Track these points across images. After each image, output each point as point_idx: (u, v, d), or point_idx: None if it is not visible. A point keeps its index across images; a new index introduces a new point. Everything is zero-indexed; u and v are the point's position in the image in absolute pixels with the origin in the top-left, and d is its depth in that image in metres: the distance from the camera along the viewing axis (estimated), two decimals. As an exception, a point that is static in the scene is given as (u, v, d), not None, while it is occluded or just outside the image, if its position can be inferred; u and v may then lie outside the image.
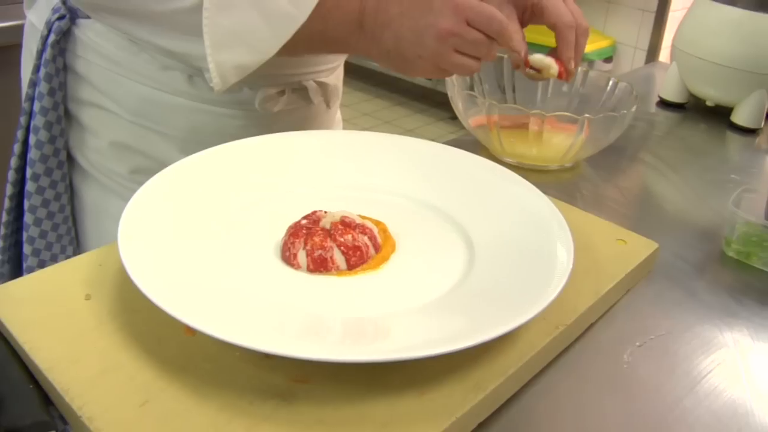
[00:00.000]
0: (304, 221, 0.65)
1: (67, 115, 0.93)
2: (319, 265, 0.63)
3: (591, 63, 3.36)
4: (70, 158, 0.95)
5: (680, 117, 1.25)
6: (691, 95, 1.26)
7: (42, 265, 0.95)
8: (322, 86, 0.95)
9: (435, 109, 4.12)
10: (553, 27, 0.87)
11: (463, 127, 1.01)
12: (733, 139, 1.17)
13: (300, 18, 0.73)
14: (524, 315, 0.54)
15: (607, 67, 3.50)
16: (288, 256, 0.64)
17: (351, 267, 0.64)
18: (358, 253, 0.64)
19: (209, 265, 0.62)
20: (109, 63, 0.87)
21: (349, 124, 3.82)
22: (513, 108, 0.93)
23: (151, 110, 0.88)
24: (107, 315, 0.59)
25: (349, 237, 0.64)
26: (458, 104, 0.96)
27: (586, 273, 0.68)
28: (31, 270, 0.95)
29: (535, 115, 0.89)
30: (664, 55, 3.20)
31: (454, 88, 0.95)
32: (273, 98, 0.89)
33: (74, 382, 0.52)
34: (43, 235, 0.94)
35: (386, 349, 0.54)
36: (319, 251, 0.63)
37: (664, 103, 1.28)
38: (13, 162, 0.93)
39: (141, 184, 0.68)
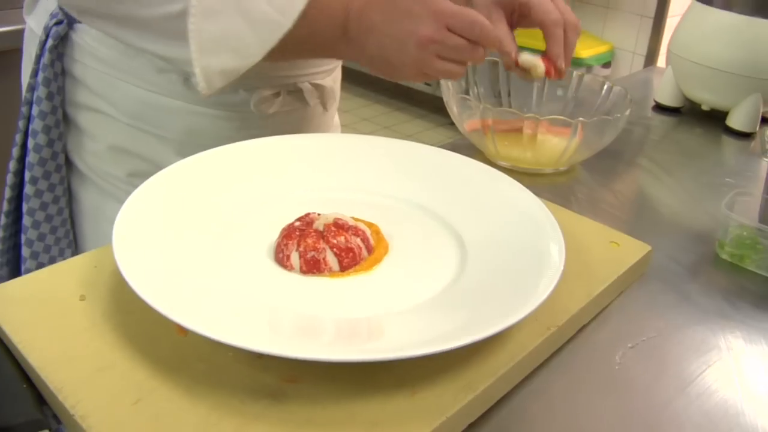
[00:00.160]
0: (297, 223, 0.66)
1: (65, 119, 0.93)
2: (312, 267, 0.63)
3: (589, 68, 3.37)
4: (69, 162, 0.95)
5: (676, 121, 1.25)
6: (687, 99, 1.26)
7: (40, 267, 0.94)
8: (318, 88, 0.96)
9: (434, 114, 4.13)
10: (540, 25, 0.88)
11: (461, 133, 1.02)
12: (729, 143, 1.18)
13: (285, 24, 0.73)
14: (515, 316, 0.54)
15: (606, 72, 3.50)
16: (281, 258, 0.64)
17: (344, 268, 0.64)
18: (351, 254, 0.64)
19: (203, 267, 0.62)
20: (105, 67, 0.87)
21: (349, 129, 3.82)
22: (507, 112, 0.94)
23: (147, 113, 0.88)
24: (101, 316, 0.59)
25: (342, 239, 0.64)
26: (453, 108, 0.96)
27: (578, 275, 0.68)
28: (29, 272, 0.95)
29: (529, 119, 0.89)
30: (662, 60, 3.20)
31: (449, 92, 0.96)
32: (268, 100, 0.90)
33: (67, 381, 0.52)
34: (41, 237, 0.94)
35: (377, 348, 0.55)
36: (312, 253, 0.63)
37: (659, 107, 1.29)
38: (12, 165, 0.94)
39: (138, 187, 0.68)
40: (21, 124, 0.92)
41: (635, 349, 0.65)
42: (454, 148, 0.85)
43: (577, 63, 3.27)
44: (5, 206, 0.96)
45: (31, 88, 0.90)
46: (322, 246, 0.64)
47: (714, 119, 1.22)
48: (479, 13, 0.77)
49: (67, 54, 0.89)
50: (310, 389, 0.53)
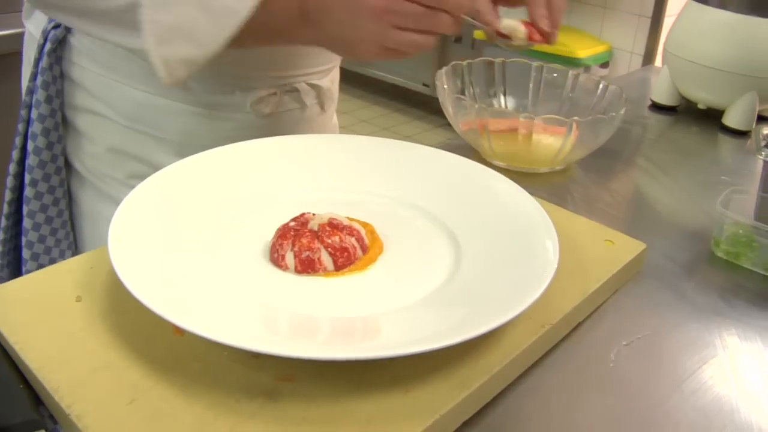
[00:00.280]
0: (292, 223, 0.66)
1: (65, 122, 0.94)
2: (307, 266, 0.64)
3: (587, 68, 3.37)
4: (68, 164, 0.96)
5: (672, 120, 1.25)
6: (683, 98, 1.27)
7: (41, 269, 0.95)
8: (315, 88, 0.96)
9: (433, 115, 4.13)
10: None
11: (460, 135, 1.02)
12: (725, 142, 1.18)
13: (242, 11, 0.72)
14: (508, 314, 0.54)
15: (604, 72, 3.51)
16: (276, 258, 0.64)
17: (338, 268, 0.65)
18: (346, 254, 0.65)
19: (198, 267, 0.62)
20: (103, 69, 0.88)
21: (347, 130, 3.83)
22: (503, 111, 0.94)
23: (145, 115, 0.89)
24: (97, 316, 0.59)
25: (337, 238, 0.64)
26: (448, 108, 0.97)
27: (573, 273, 0.68)
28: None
29: (524, 119, 0.89)
30: (660, 59, 3.20)
31: (444, 92, 0.96)
32: (265, 100, 0.90)
33: (63, 381, 0.52)
34: (41, 239, 0.95)
35: (371, 347, 0.55)
36: (307, 252, 0.63)
37: (656, 107, 1.29)
38: (12, 168, 0.94)
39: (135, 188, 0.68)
40: (20, 127, 0.93)
41: (630, 347, 0.65)
42: (449, 148, 0.85)
43: (575, 63, 3.28)
44: (6, 209, 0.97)
45: (30, 92, 0.91)
46: (316, 246, 0.64)
47: (710, 118, 1.23)
48: None
49: (65, 57, 0.90)
50: (305, 388, 0.53)
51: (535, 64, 1.07)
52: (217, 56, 0.75)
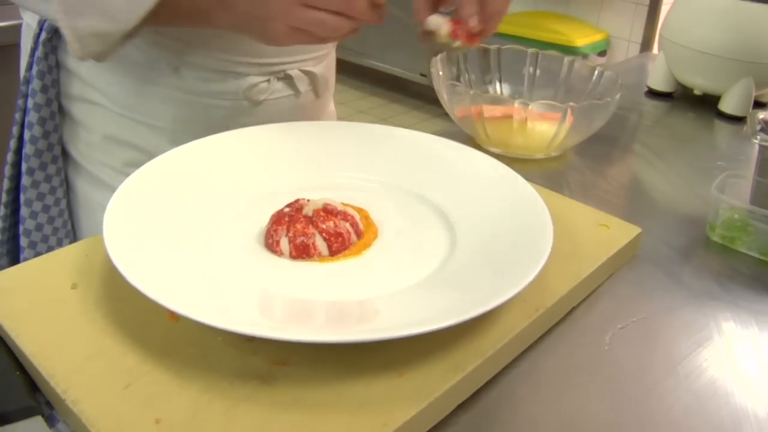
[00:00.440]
0: (286, 209, 0.66)
1: (61, 111, 0.94)
2: (302, 252, 0.64)
3: (585, 57, 3.37)
4: (65, 153, 0.96)
5: (668, 106, 1.25)
6: (679, 84, 1.27)
7: (38, 257, 0.96)
8: (309, 75, 0.95)
9: (431, 105, 4.13)
10: None
11: (458, 124, 1.02)
12: (721, 127, 1.18)
13: None
14: (502, 296, 0.55)
15: (601, 60, 3.50)
16: (271, 244, 0.65)
17: (333, 253, 0.65)
18: (340, 239, 0.65)
19: (193, 253, 0.63)
20: None
21: (345, 121, 3.81)
22: (497, 98, 0.94)
23: (139, 103, 0.89)
24: (93, 303, 0.59)
25: (331, 224, 0.65)
26: (443, 95, 0.97)
27: (567, 257, 0.68)
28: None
29: (519, 105, 0.89)
30: (657, 47, 3.20)
31: (439, 78, 0.96)
32: (257, 87, 0.90)
33: (59, 367, 0.52)
34: (38, 228, 0.95)
35: (365, 330, 0.55)
36: (302, 238, 0.64)
37: (652, 93, 1.29)
38: (10, 157, 0.95)
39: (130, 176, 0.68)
40: (18, 116, 0.93)
41: (625, 330, 0.65)
42: (445, 134, 0.85)
43: (573, 52, 3.27)
44: (4, 197, 0.97)
45: (27, 81, 0.91)
46: (311, 231, 0.64)
47: (706, 104, 1.23)
48: None
49: (60, 46, 0.90)
50: (299, 372, 0.53)
51: (530, 50, 1.07)
52: (133, 32, 0.73)
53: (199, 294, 0.57)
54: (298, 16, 0.70)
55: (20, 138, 0.93)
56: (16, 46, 1.02)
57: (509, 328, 0.58)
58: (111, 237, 0.59)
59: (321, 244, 0.64)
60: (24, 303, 0.59)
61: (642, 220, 0.77)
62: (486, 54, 1.07)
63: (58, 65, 0.91)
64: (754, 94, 1.17)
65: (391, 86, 4.37)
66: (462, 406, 0.55)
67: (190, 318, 0.51)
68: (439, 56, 1.00)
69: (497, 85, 1.08)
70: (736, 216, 0.80)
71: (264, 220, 0.67)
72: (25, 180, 0.93)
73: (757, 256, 0.78)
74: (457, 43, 0.79)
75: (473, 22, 0.77)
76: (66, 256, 0.66)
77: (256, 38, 0.75)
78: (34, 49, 0.89)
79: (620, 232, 0.74)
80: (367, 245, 0.66)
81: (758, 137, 0.77)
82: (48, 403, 0.54)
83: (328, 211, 0.66)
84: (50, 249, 0.96)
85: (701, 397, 0.58)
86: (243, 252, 0.65)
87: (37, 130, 0.91)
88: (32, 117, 0.91)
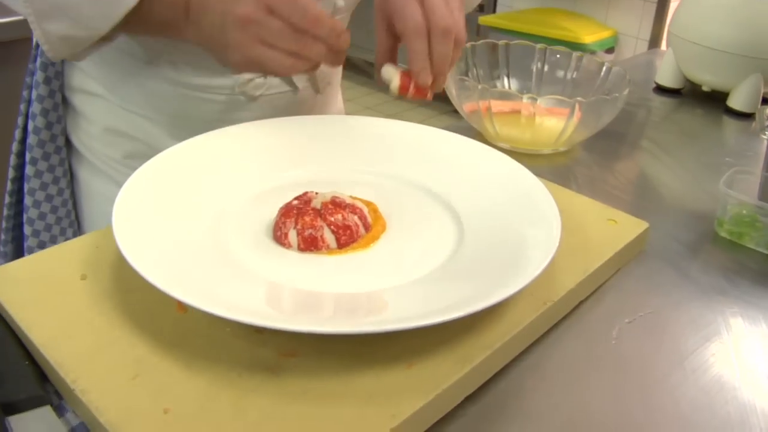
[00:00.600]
0: (295, 202, 0.66)
1: (65, 102, 0.95)
2: (310, 244, 0.64)
3: (593, 54, 3.36)
4: (69, 143, 0.97)
5: (677, 102, 1.25)
6: (688, 81, 1.26)
7: (42, 245, 0.97)
8: (307, 71, 0.95)
9: (438, 102, 4.11)
10: (400, 35, 0.78)
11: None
12: (729, 124, 1.18)
13: (129, 2, 0.70)
14: (510, 289, 0.55)
15: (609, 57, 3.50)
16: (279, 236, 0.65)
17: (341, 246, 0.65)
18: (348, 232, 0.65)
19: (202, 245, 0.63)
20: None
21: (353, 117, 3.81)
22: (506, 93, 0.94)
23: (137, 96, 0.89)
24: (102, 294, 0.60)
25: (339, 216, 0.65)
26: (452, 90, 0.97)
27: (575, 251, 0.68)
28: (31, 250, 0.97)
29: (527, 100, 0.89)
30: (665, 44, 3.19)
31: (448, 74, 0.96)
32: (253, 82, 0.89)
33: (68, 357, 0.53)
34: (42, 216, 0.96)
35: (374, 321, 0.55)
36: (310, 230, 0.64)
37: (660, 89, 1.29)
38: (15, 147, 0.96)
39: (135, 168, 0.69)
40: (22, 107, 0.94)
41: (632, 325, 0.65)
42: (453, 129, 0.85)
43: (581, 49, 3.25)
44: (9, 186, 0.98)
45: (31, 73, 0.92)
46: (319, 224, 0.64)
47: (715, 100, 1.23)
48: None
49: None
50: (307, 363, 0.53)
51: (538, 46, 1.07)
52: (106, 37, 0.74)
53: (207, 285, 0.57)
54: (256, 51, 0.70)
55: (25, 129, 0.94)
56: (22, 41, 1.03)
57: (517, 321, 0.59)
58: (120, 229, 0.59)
59: (329, 237, 0.64)
60: (34, 294, 0.59)
61: (650, 216, 0.77)
62: (494, 50, 1.07)
63: None
64: (762, 91, 1.17)
65: (398, 83, 4.36)
66: (470, 398, 0.55)
67: (198, 309, 0.51)
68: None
69: (505, 80, 1.08)
70: (744, 212, 0.80)
71: (272, 213, 0.67)
72: (29, 170, 0.94)
73: (765, 251, 0.78)
74: (408, 97, 0.79)
75: (422, 78, 0.77)
76: (75, 247, 0.66)
77: (213, 57, 0.75)
78: (37, 41, 0.90)
79: (628, 227, 0.74)
80: (375, 238, 0.67)
81: (766, 133, 0.76)
82: (57, 393, 0.54)
83: (337, 204, 0.66)
84: (53, 238, 0.97)
85: (708, 392, 0.58)
86: (251, 244, 0.65)
87: (40, 121, 0.92)
88: (35, 108, 0.92)
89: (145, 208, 0.64)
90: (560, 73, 1.06)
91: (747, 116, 1.18)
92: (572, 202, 0.77)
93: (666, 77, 1.27)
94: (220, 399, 0.50)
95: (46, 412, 0.52)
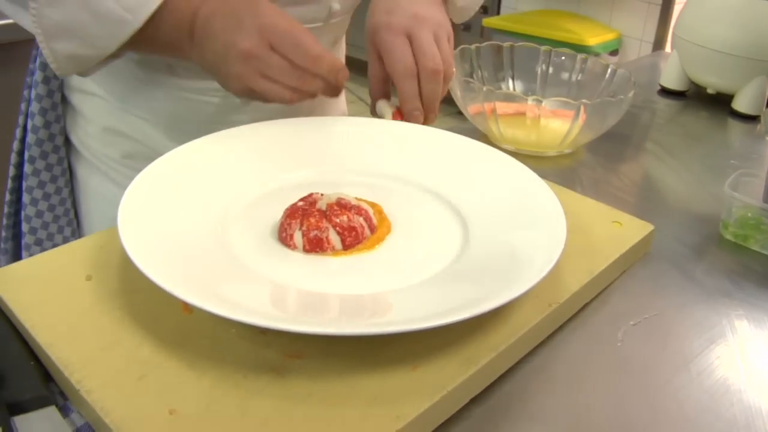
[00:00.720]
0: (300, 203, 0.66)
1: (64, 101, 0.95)
2: (315, 246, 0.64)
3: (597, 56, 3.36)
4: (69, 142, 0.97)
5: (681, 105, 1.25)
6: (692, 83, 1.26)
7: (39, 243, 0.98)
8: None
9: (442, 104, 4.11)
10: (391, 76, 0.82)
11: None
12: (734, 126, 1.18)
13: (134, 23, 0.71)
14: (514, 291, 0.55)
15: (614, 60, 3.49)
16: (285, 237, 0.65)
17: (346, 247, 0.65)
18: (354, 233, 0.65)
19: (207, 246, 0.63)
20: None
21: (357, 119, 3.80)
22: (511, 95, 0.94)
23: (134, 97, 0.90)
24: (107, 295, 0.60)
25: (345, 218, 0.65)
26: (457, 92, 0.97)
27: (580, 253, 0.68)
28: (28, 248, 0.98)
29: (532, 102, 0.89)
30: (670, 46, 3.19)
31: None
32: None
33: (73, 357, 0.53)
34: (39, 215, 0.96)
35: (378, 323, 0.55)
36: (315, 232, 0.64)
37: (665, 91, 1.28)
38: (15, 146, 0.97)
39: (133, 168, 0.69)
40: (23, 106, 0.95)
41: (637, 327, 0.65)
42: (458, 131, 0.85)
43: (585, 51, 3.26)
44: (9, 184, 0.99)
45: (31, 73, 0.93)
46: (325, 225, 0.64)
47: (719, 103, 1.22)
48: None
49: None
50: (313, 365, 0.53)
51: (543, 48, 1.07)
52: (113, 56, 0.75)
53: (213, 286, 0.57)
54: (257, 84, 0.72)
55: (25, 127, 0.95)
56: (25, 43, 1.03)
57: (522, 323, 0.58)
58: (126, 229, 0.59)
59: (334, 238, 0.64)
60: (39, 294, 0.59)
61: (654, 218, 0.77)
62: (499, 51, 1.07)
63: None
64: (767, 93, 1.17)
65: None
66: (475, 400, 0.55)
67: (204, 310, 0.51)
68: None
69: (510, 82, 1.08)
70: (749, 214, 0.80)
71: (277, 214, 0.67)
72: (27, 168, 0.95)
73: (770, 254, 0.78)
74: None
75: (414, 118, 0.81)
76: (81, 247, 0.66)
77: (216, 81, 0.76)
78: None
79: (633, 229, 0.74)
80: (381, 240, 0.67)
81: (772, 135, 0.76)
82: (62, 394, 0.54)
83: (342, 205, 0.66)
84: (50, 236, 0.98)
85: (713, 395, 0.58)
86: (256, 245, 0.65)
87: (38, 120, 0.93)
88: (34, 107, 0.93)
89: (150, 209, 0.64)
90: (565, 75, 1.06)
91: (752, 119, 1.18)
92: (577, 204, 0.77)
93: (671, 79, 1.27)
94: (226, 400, 0.50)
95: (51, 412, 0.52)
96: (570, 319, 0.65)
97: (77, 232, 1.00)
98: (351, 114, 1.16)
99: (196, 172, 0.72)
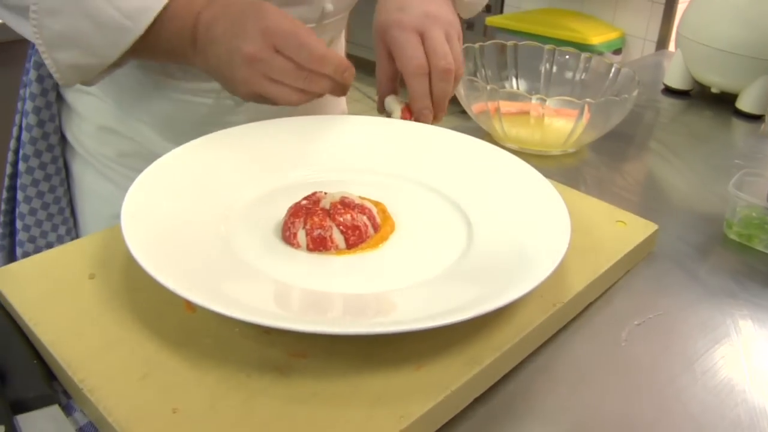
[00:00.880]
0: (304, 202, 0.66)
1: (60, 99, 0.96)
2: (319, 245, 0.64)
3: (600, 55, 3.36)
4: (65, 140, 0.97)
5: (685, 104, 1.25)
6: (696, 82, 1.26)
7: (32, 240, 0.98)
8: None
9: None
10: (402, 74, 0.81)
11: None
12: (738, 126, 1.17)
13: (135, 31, 0.71)
14: (518, 291, 0.54)
15: (617, 59, 3.49)
16: (288, 236, 0.65)
17: (350, 246, 0.65)
18: (357, 232, 0.65)
19: (210, 245, 0.63)
20: None
21: (359, 118, 3.80)
22: (515, 94, 0.94)
23: (130, 98, 0.90)
24: (110, 293, 0.60)
25: (348, 217, 0.65)
26: (461, 90, 0.96)
27: (584, 253, 0.68)
28: (22, 245, 0.98)
29: (536, 101, 0.89)
30: (673, 46, 3.19)
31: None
32: None
33: (77, 356, 0.53)
34: (32, 212, 0.97)
35: (383, 322, 0.55)
36: (319, 230, 0.64)
37: (669, 91, 1.28)
38: (12, 144, 0.98)
39: (128, 167, 0.69)
40: (19, 105, 0.95)
41: (642, 327, 0.65)
42: (461, 130, 0.85)
43: (588, 50, 3.24)
44: (6, 182, 0.99)
45: (26, 71, 0.93)
46: (328, 224, 0.64)
47: (723, 102, 1.22)
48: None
49: None
50: (317, 364, 0.53)
51: (546, 47, 1.07)
52: (116, 64, 0.75)
53: (216, 285, 0.57)
54: (262, 86, 0.71)
55: (21, 126, 0.95)
56: (23, 42, 1.03)
57: (526, 322, 0.58)
58: (129, 228, 0.59)
59: (338, 237, 0.64)
60: (42, 292, 0.59)
61: (658, 217, 0.77)
62: (503, 50, 1.06)
63: None
64: (772, 92, 1.16)
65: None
66: (479, 400, 0.55)
67: (207, 308, 0.51)
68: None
69: (514, 81, 1.08)
70: (753, 214, 0.80)
71: (281, 213, 0.67)
72: (21, 166, 0.96)
73: (774, 254, 0.78)
74: None
75: (424, 117, 0.81)
76: (84, 246, 0.66)
77: (222, 86, 0.76)
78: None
79: (637, 229, 0.74)
80: (384, 239, 0.66)
81: (777, 135, 0.76)
82: (65, 392, 0.54)
83: (346, 204, 0.66)
84: (44, 234, 0.98)
85: (718, 395, 0.58)
86: (260, 244, 0.65)
87: (32, 119, 0.93)
88: (28, 106, 0.93)
89: (153, 207, 0.64)
90: (569, 74, 1.06)
91: (756, 118, 1.18)
92: (581, 204, 0.77)
93: (675, 79, 1.27)
94: (229, 399, 0.49)
95: (54, 411, 0.52)
96: (574, 319, 0.65)
97: (73, 231, 1.01)
98: (353, 112, 1.16)
99: (200, 171, 0.71)
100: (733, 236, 0.81)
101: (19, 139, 0.96)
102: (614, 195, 0.89)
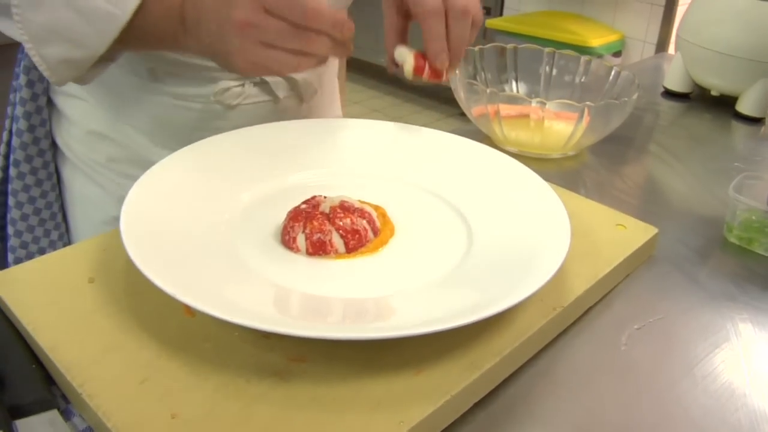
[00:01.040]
0: (303, 206, 0.66)
1: (50, 103, 0.95)
2: (318, 249, 0.64)
3: (600, 57, 3.36)
4: (56, 146, 0.97)
5: (685, 107, 1.25)
6: (696, 85, 1.26)
7: (24, 246, 0.98)
8: (289, 81, 0.92)
9: (444, 105, 4.13)
10: (415, 17, 0.77)
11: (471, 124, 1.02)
12: (738, 129, 1.17)
13: (122, 17, 0.69)
14: (519, 295, 0.54)
15: (617, 61, 3.49)
16: (287, 240, 0.65)
17: (350, 250, 0.65)
18: (357, 236, 0.65)
19: (210, 249, 0.63)
20: None
21: (359, 120, 3.81)
22: (514, 97, 0.94)
23: (118, 102, 0.89)
24: (110, 297, 0.60)
25: (348, 221, 0.65)
26: (460, 94, 0.96)
27: (584, 256, 0.68)
28: (14, 250, 0.98)
29: (536, 104, 0.89)
30: (673, 48, 3.19)
31: (456, 77, 0.95)
32: (230, 91, 0.88)
33: (76, 360, 0.53)
34: (24, 218, 0.97)
35: (383, 327, 0.55)
36: (318, 235, 0.64)
37: (668, 93, 1.28)
38: (2, 149, 0.97)
39: (117, 172, 0.69)
40: (9, 110, 0.95)
41: (642, 331, 0.65)
42: (461, 134, 0.85)
43: (587, 52, 3.26)
44: None
45: (16, 76, 0.93)
46: (328, 228, 0.64)
47: (723, 105, 1.22)
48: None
49: None
50: (316, 369, 0.53)
51: (546, 50, 1.07)
52: (107, 57, 0.73)
53: (215, 289, 0.57)
54: (259, 54, 0.68)
55: (11, 131, 0.96)
56: (12, 46, 1.03)
57: (526, 327, 0.58)
58: (128, 232, 0.59)
59: (338, 241, 0.64)
60: (41, 297, 0.59)
61: (658, 221, 0.77)
62: (502, 53, 1.06)
63: None
64: (772, 95, 1.16)
65: (405, 85, 4.37)
66: (479, 404, 0.55)
67: (206, 313, 0.51)
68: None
69: (513, 84, 1.08)
70: (753, 217, 0.79)
71: (280, 217, 0.67)
72: (12, 171, 0.96)
73: (774, 257, 0.78)
74: (423, 79, 0.78)
75: (440, 61, 0.77)
76: (83, 250, 0.66)
77: (218, 65, 0.74)
78: (21, 45, 0.90)
79: (637, 232, 0.74)
80: (384, 243, 0.66)
81: (777, 138, 0.76)
82: (64, 397, 0.54)
83: (345, 208, 0.66)
84: (36, 239, 0.98)
85: (718, 399, 0.58)
86: (259, 248, 0.65)
87: (22, 124, 0.93)
88: (18, 111, 0.93)
89: (153, 212, 0.64)
90: (569, 77, 1.06)
91: (756, 121, 1.17)
92: (581, 207, 0.77)
93: (674, 81, 1.27)
94: (228, 404, 0.49)
95: (53, 415, 0.52)
96: (574, 323, 0.65)
97: (65, 236, 1.00)
98: (352, 115, 1.16)
99: (199, 175, 0.72)
100: (733, 239, 0.81)
101: (9, 144, 0.96)
102: (614, 198, 0.89)
